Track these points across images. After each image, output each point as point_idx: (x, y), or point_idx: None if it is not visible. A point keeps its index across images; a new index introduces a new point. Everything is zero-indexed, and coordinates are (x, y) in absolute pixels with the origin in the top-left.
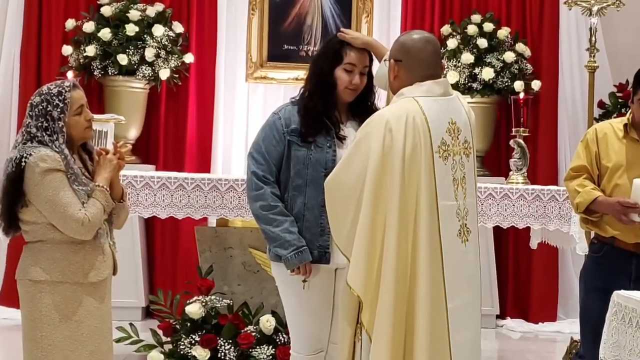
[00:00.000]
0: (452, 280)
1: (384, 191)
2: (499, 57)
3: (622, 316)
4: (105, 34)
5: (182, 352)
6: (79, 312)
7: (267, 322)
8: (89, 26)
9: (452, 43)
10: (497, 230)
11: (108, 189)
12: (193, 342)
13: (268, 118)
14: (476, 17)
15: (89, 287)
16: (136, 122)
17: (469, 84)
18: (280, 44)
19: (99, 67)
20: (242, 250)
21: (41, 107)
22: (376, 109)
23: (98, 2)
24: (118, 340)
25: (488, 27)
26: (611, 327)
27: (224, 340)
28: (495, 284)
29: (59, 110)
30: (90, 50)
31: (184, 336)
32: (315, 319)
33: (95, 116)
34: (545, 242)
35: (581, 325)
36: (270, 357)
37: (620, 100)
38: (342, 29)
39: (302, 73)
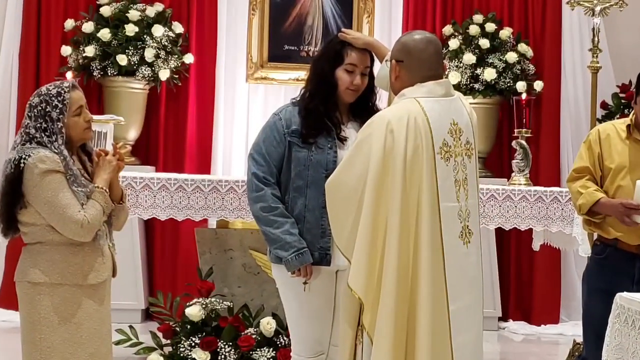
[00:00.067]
0: (454, 282)
1: (385, 192)
2: (501, 57)
3: (625, 318)
4: (105, 34)
5: (182, 355)
6: (78, 314)
7: (268, 325)
8: (88, 26)
9: (453, 43)
10: (499, 231)
11: (107, 190)
12: (193, 344)
13: (268, 119)
14: (478, 18)
15: (88, 289)
16: (136, 123)
17: (471, 85)
18: (281, 45)
19: (99, 67)
20: (242, 252)
21: (40, 108)
22: (377, 110)
23: (97, 2)
24: (117, 343)
25: (490, 27)
26: (614, 330)
27: (224, 343)
28: (497, 286)
29: (58, 111)
30: (90, 50)
31: (183, 338)
32: (316, 321)
33: (95, 117)
34: (547, 243)
35: (584, 327)
36: (271, 359)
37: (623, 101)
38: (343, 29)
39: (303, 74)
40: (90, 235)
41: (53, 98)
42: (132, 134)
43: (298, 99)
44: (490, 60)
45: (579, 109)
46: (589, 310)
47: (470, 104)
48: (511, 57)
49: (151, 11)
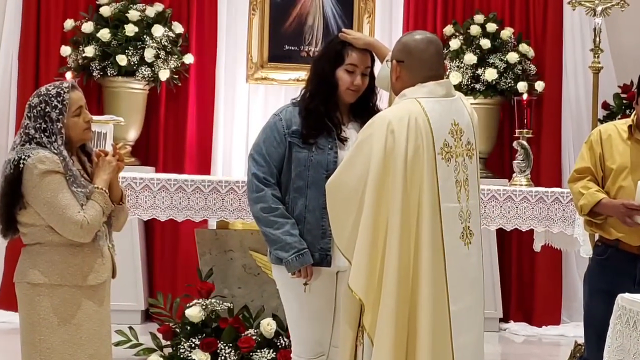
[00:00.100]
0: (455, 282)
1: (385, 193)
2: (502, 57)
3: (627, 319)
4: (105, 34)
5: (182, 356)
6: (77, 316)
7: (268, 326)
8: (87, 26)
9: (454, 43)
10: (500, 232)
11: (107, 191)
12: (193, 345)
13: (269, 119)
14: (479, 18)
15: (87, 290)
16: (135, 124)
17: (472, 85)
18: (281, 45)
19: (98, 67)
20: (242, 253)
21: (39, 109)
22: (378, 110)
23: (97, 2)
24: (117, 344)
25: (491, 27)
26: (615, 331)
27: (224, 344)
28: (499, 287)
29: (57, 111)
30: (89, 50)
31: (183, 340)
32: (317, 323)
33: (94, 117)
34: (548, 244)
35: (585, 328)
36: None
37: (624, 102)
38: (343, 30)
39: (303, 74)
40: (89, 236)
41: (52, 98)
42: (132, 134)
43: (298, 99)
44: (491, 61)
45: (580, 109)
46: (590, 311)
47: (471, 104)
48: (512, 57)
49: (151, 11)
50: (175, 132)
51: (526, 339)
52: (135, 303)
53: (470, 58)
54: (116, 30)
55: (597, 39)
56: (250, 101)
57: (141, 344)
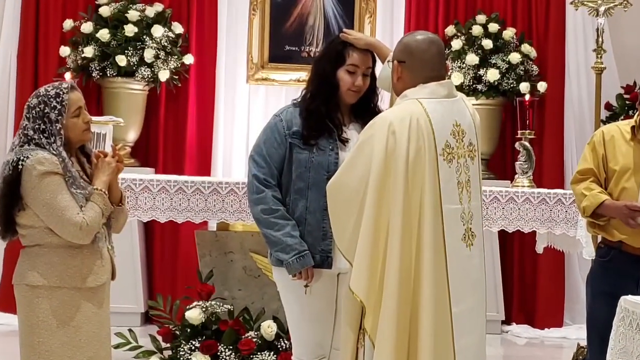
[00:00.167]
0: (457, 284)
1: (387, 194)
2: (504, 58)
3: (630, 322)
4: (104, 34)
5: (181, 359)
6: (77, 318)
7: (269, 328)
8: (87, 27)
9: (456, 44)
10: (502, 234)
11: (106, 192)
12: (193, 348)
13: (269, 120)
14: (481, 18)
15: (87, 292)
16: (135, 125)
17: (474, 86)
18: (282, 45)
19: (97, 68)
20: (243, 255)
21: (38, 109)
22: (379, 111)
23: (96, 2)
24: (117, 346)
25: (493, 27)
26: (618, 333)
27: (225, 347)
28: (501, 289)
29: (56, 112)
30: (89, 51)
31: (183, 342)
32: (317, 325)
33: (94, 118)
34: (551, 246)
35: (588, 331)
36: None
37: (627, 102)
38: (344, 30)
39: (304, 74)
40: (89, 238)
41: (51, 99)
42: (132, 135)
43: (299, 100)
44: (493, 61)
45: (583, 110)
46: (593, 314)
47: (473, 105)
48: (514, 57)
49: (151, 11)
50: (175, 133)
51: (528, 341)
52: (134, 305)
53: (472, 58)
54: (115, 31)
55: (600, 39)
56: (250, 102)
57: (141, 347)
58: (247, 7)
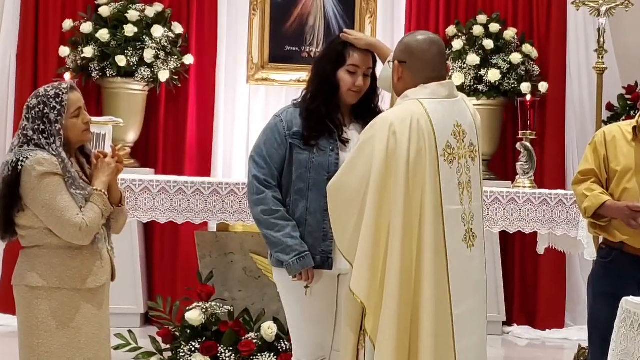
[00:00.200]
0: (458, 285)
1: (387, 195)
2: (505, 58)
3: (631, 323)
4: (104, 34)
5: None
6: (76, 319)
7: (269, 329)
8: (86, 27)
9: (457, 44)
10: (503, 235)
11: (106, 193)
12: (193, 349)
13: (269, 121)
14: (482, 18)
15: (86, 293)
16: (135, 125)
17: (475, 86)
18: (282, 45)
19: (97, 68)
20: (243, 256)
21: (38, 110)
22: (380, 112)
23: (96, 2)
24: (116, 348)
25: (494, 27)
26: (620, 334)
27: (225, 348)
28: (502, 290)
29: (56, 112)
30: (88, 51)
31: (183, 343)
32: (318, 326)
33: (93, 119)
34: (552, 247)
35: (589, 332)
36: None
37: (629, 103)
38: (345, 30)
39: (305, 75)
40: (88, 239)
41: (51, 99)
42: (131, 135)
43: (299, 100)
44: (495, 61)
45: (584, 110)
46: (595, 315)
47: (474, 105)
48: (515, 58)
49: (150, 11)
50: (175, 133)
51: (530, 342)
52: (134, 306)
53: (473, 59)
54: (115, 31)
55: (601, 39)
56: (250, 102)
57: (140, 348)
58: (247, 7)
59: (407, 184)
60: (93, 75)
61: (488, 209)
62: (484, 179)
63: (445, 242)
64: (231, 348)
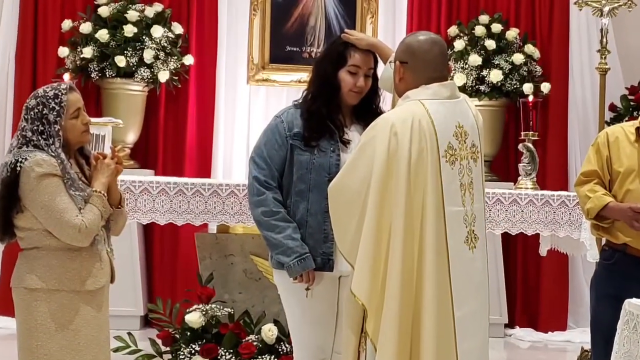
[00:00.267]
0: (459, 287)
1: (389, 196)
2: (507, 58)
3: (634, 325)
4: (103, 35)
5: None
6: (75, 321)
7: (269, 332)
8: (86, 27)
9: (459, 44)
10: (505, 236)
11: (105, 194)
12: (193, 351)
13: (270, 121)
14: (484, 18)
15: (86, 295)
16: (134, 126)
17: (477, 87)
18: (283, 46)
19: (97, 69)
20: (243, 258)
21: (37, 110)
22: (381, 112)
23: (95, 3)
24: (116, 350)
25: (496, 28)
26: (623, 336)
27: (225, 350)
28: (504, 292)
29: (55, 113)
30: (87, 51)
31: (183, 346)
32: (319, 328)
33: (93, 119)
34: (555, 249)
35: (592, 334)
36: None
37: (632, 103)
38: (346, 30)
39: (305, 75)
40: (88, 240)
41: (50, 100)
42: (131, 136)
43: (300, 101)
44: (497, 62)
45: (587, 111)
46: (597, 317)
47: (476, 106)
48: (518, 58)
49: (150, 11)
50: (175, 134)
51: (532, 344)
52: (134, 308)
53: (475, 59)
54: (115, 31)
55: (604, 39)
56: (251, 103)
57: (140, 350)
58: (248, 7)
59: (408, 185)
60: (92, 75)
61: (490, 210)
62: (486, 180)
63: (447, 243)
64: (231, 350)
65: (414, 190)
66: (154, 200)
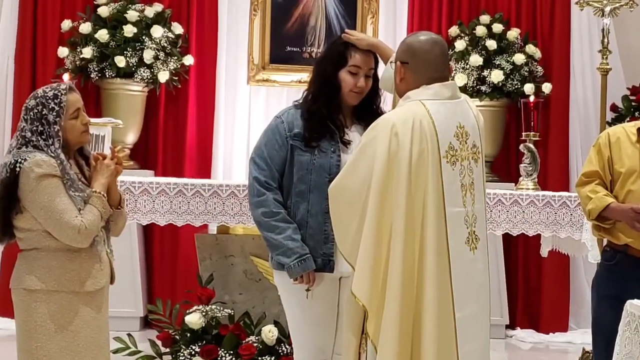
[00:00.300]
0: (460, 288)
1: (389, 197)
2: (508, 59)
3: (636, 326)
4: (103, 35)
5: None
6: (75, 322)
7: (270, 333)
8: (85, 27)
9: (460, 44)
10: (506, 237)
11: (105, 195)
12: (193, 353)
13: (270, 122)
14: (485, 18)
15: (85, 296)
16: (134, 126)
17: (478, 87)
18: (283, 46)
19: (96, 69)
20: (243, 258)
21: (36, 111)
22: (382, 113)
23: (95, 3)
24: (116, 351)
25: (497, 28)
26: (624, 338)
27: (225, 351)
28: (505, 293)
29: (54, 113)
30: (87, 52)
31: (183, 347)
32: (319, 329)
33: (92, 120)
34: (556, 249)
35: (593, 335)
36: None
37: (633, 104)
38: (346, 30)
39: (306, 75)
40: (87, 241)
41: (49, 100)
42: (131, 137)
43: (300, 101)
44: (498, 62)
45: (588, 111)
46: (599, 318)
47: (477, 106)
48: (519, 58)
49: (150, 11)
50: (175, 135)
51: (533, 346)
52: (134, 309)
53: (475, 59)
54: (114, 31)
55: (606, 39)
56: (251, 103)
57: (140, 352)
58: (248, 7)
59: (409, 185)
60: (92, 76)
61: (491, 211)
62: (486, 181)
63: (448, 244)
64: (231, 352)
65: (414, 191)
66: (153, 201)
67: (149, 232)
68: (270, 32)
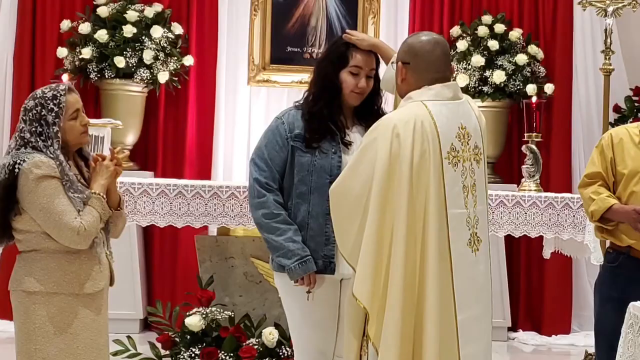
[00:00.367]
0: (462, 291)
1: (391, 198)
2: (510, 59)
3: (639, 328)
4: (102, 35)
5: None
6: (74, 325)
7: (270, 335)
8: (84, 27)
9: (462, 45)
10: (508, 239)
11: (104, 196)
12: (193, 355)
13: (271, 123)
14: (487, 18)
15: (84, 298)
16: (134, 127)
17: (480, 88)
18: (284, 46)
19: (96, 69)
20: (243, 260)
21: (35, 112)
22: (383, 114)
23: (94, 3)
24: (115, 354)
25: (499, 28)
26: (627, 340)
27: (225, 354)
28: (507, 295)
29: (53, 114)
30: (86, 52)
31: (183, 349)
32: (320, 332)
33: (92, 121)
34: (558, 251)
35: (596, 337)
36: None
37: (636, 104)
38: (347, 31)
39: (306, 76)
40: (86, 243)
41: (49, 101)
42: (130, 138)
43: (301, 102)
44: (500, 62)
45: (591, 112)
46: (601, 320)
47: (479, 107)
48: (521, 59)
49: (150, 12)
50: (175, 135)
51: (535, 348)
52: (133, 312)
53: (477, 60)
54: (114, 31)
55: (608, 40)
56: (251, 104)
57: (140, 354)
58: (248, 8)
59: (410, 187)
60: (91, 76)
61: (493, 212)
62: (489, 182)
63: (450, 246)
64: (232, 354)
65: (416, 193)
66: (153, 203)
67: (148, 233)
68: (270, 33)
